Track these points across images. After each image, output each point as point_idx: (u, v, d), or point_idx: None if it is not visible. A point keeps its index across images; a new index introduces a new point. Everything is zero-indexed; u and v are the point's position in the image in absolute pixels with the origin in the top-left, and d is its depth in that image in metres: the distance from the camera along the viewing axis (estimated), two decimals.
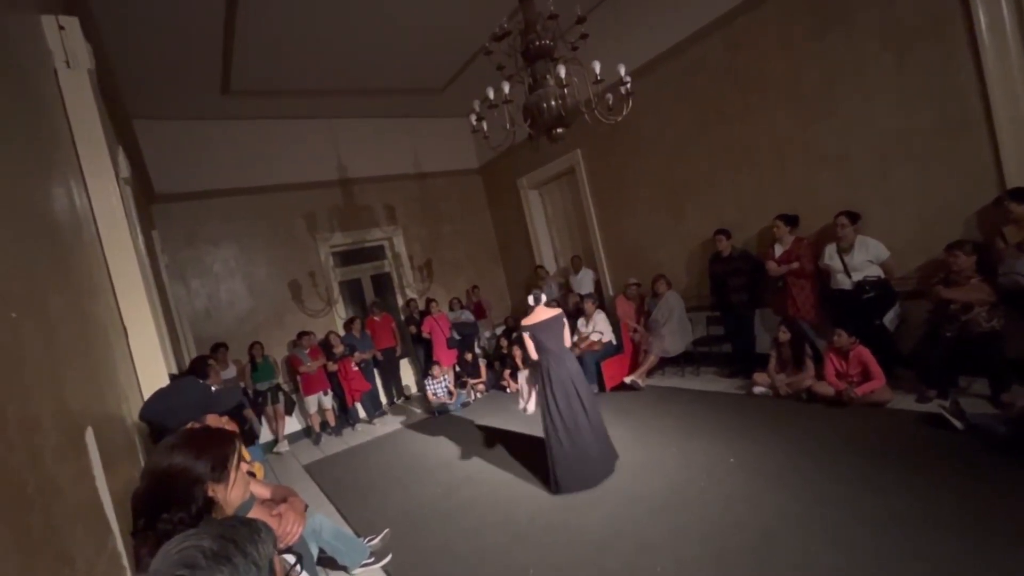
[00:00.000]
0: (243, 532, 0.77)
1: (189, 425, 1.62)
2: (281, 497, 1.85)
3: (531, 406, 4.02)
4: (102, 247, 1.79)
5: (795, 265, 4.42)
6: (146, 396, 1.78)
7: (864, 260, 3.98)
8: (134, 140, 4.78)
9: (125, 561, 1.12)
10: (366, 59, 5.86)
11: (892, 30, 3.81)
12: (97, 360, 1.37)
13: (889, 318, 3.92)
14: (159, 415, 1.57)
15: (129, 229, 2.77)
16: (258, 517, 1.52)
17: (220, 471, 1.25)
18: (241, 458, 1.39)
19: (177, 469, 1.19)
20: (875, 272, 3.96)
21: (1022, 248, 3.11)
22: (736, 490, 2.98)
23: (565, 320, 3.77)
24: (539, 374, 3.68)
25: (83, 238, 1.53)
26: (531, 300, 3.90)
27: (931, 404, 3.50)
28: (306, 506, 2.56)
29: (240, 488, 1.34)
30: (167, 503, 1.16)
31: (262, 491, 1.90)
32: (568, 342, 3.78)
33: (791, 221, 4.55)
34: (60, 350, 1.10)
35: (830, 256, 4.17)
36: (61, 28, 1.81)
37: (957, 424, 3.03)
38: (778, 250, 4.59)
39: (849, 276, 4.04)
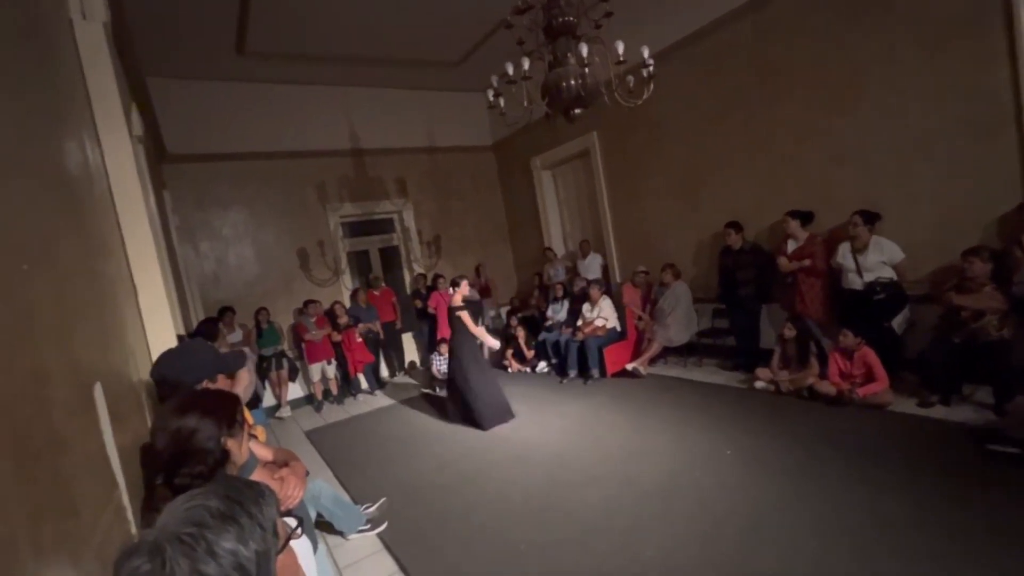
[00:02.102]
0: (248, 494, 0.78)
1: (202, 385, 1.65)
2: (283, 460, 1.89)
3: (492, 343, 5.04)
4: (114, 204, 1.79)
5: (807, 262, 4.37)
6: (154, 355, 1.80)
7: (878, 261, 3.92)
8: (147, 98, 4.74)
9: (130, 515, 1.15)
10: (384, 27, 5.73)
11: (927, 23, 3.68)
12: (106, 317, 1.38)
13: (898, 321, 3.88)
14: (173, 374, 1.59)
15: (141, 187, 2.77)
16: (261, 479, 1.55)
17: (231, 427, 1.31)
18: (244, 418, 1.42)
19: (192, 426, 1.24)
20: (888, 274, 3.91)
21: None
22: (729, 480, 3.01)
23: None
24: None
25: (95, 194, 1.52)
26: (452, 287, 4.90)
27: (932, 408, 3.50)
28: (307, 471, 2.62)
29: (245, 446, 1.38)
30: (184, 459, 1.20)
31: (265, 453, 1.93)
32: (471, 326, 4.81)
33: (805, 217, 4.48)
34: (70, 304, 1.10)
35: (843, 255, 4.11)
36: None
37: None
38: (791, 246, 4.53)
39: (861, 276, 3.99)
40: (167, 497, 1.12)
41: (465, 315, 4.73)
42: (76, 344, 1.08)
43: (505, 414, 4.63)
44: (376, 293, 7.16)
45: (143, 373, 1.60)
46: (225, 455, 1.29)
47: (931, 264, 3.89)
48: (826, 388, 3.93)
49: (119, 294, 1.55)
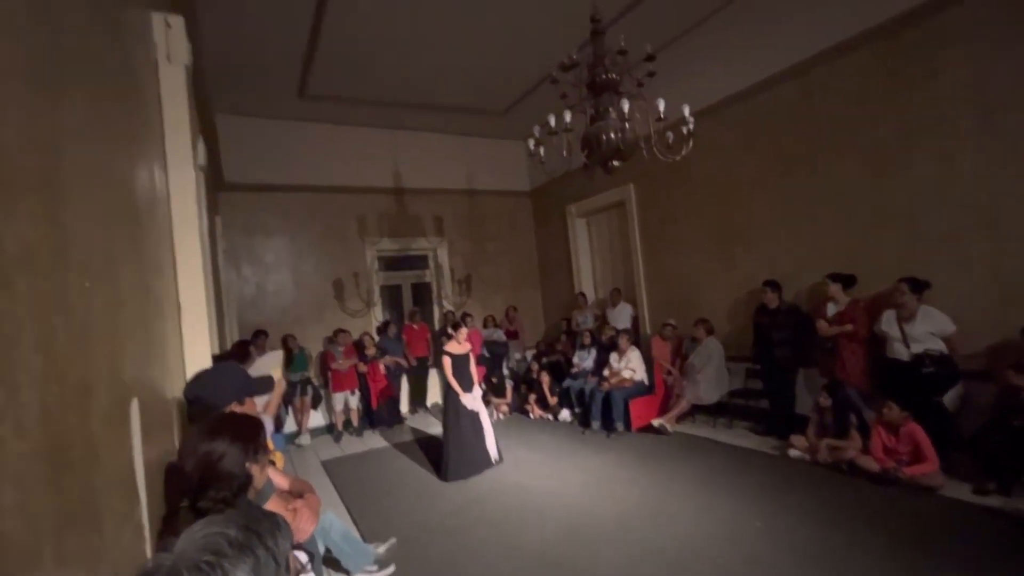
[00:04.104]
0: (266, 525, 0.78)
1: (230, 408, 1.69)
2: (299, 491, 1.88)
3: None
4: (171, 228, 1.91)
5: (848, 327, 4.20)
6: (188, 374, 1.85)
7: (926, 332, 3.73)
8: (213, 131, 5.11)
9: (147, 533, 1.15)
10: (436, 77, 6.08)
11: (978, 92, 3.63)
12: (152, 334, 1.44)
13: (950, 397, 3.64)
14: (205, 394, 1.63)
15: (198, 215, 2.94)
16: (275, 508, 1.55)
17: (257, 453, 1.33)
18: (266, 444, 1.44)
19: (221, 451, 1.26)
20: (938, 346, 3.70)
21: None
22: (758, 556, 2.80)
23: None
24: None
25: (157, 218, 1.63)
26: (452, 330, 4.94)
27: (989, 496, 3.21)
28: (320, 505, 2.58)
29: (265, 472, 1.39)
30: (211, 482, 1.22)
31: (281, 481, 1.93)
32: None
33: (847, 281, 4.34)
34: (122, 321, 1.16)
35: (888, 323, 3.93)
36: (168, 25, 1.98)
37: None
38: (831, 309, 4.38)
39: (908, 347, 3.79)
40: (190, 521, 1.14)
41: (448, 363, 4.66)
42: (122, 360, 1.13)
43: (470, 471, 4.51)
44: (414, 327, 7.26)
45: (177, 391, 1.65)
46: (249, 480, 1.30)
47: (987, 339, 3.67)
48: (869, 464, 3.67)
49: (165, 313, 1.62)
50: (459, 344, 4.78)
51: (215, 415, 1.46)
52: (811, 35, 4.56)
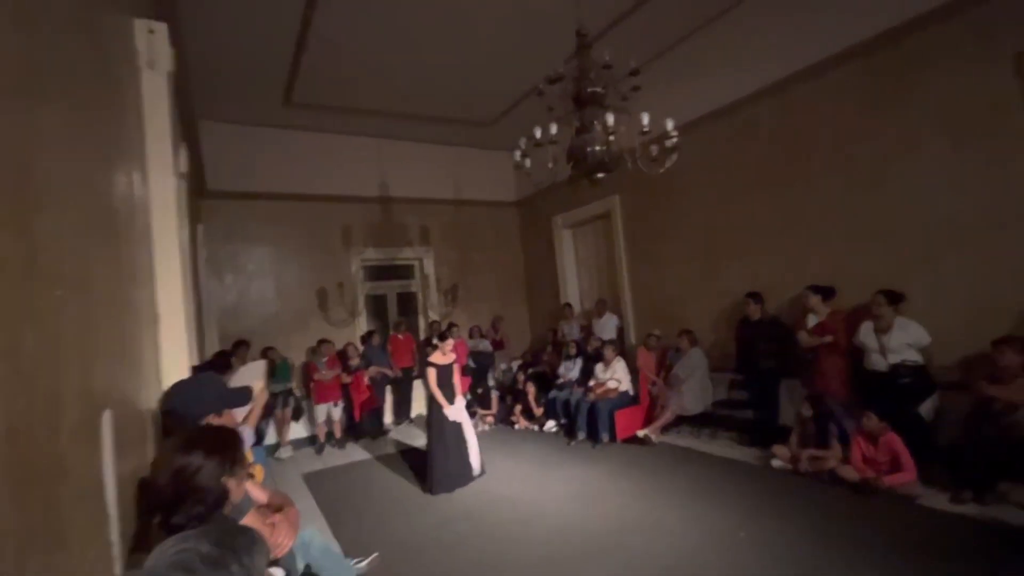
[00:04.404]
0: (241, 541, 0.76)
1: (207, 419, 1.65)
2: (277, 505, 1.83)
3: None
4: (150, 237, 1.88)
5: (828, 338, 4.27)
6: (165, 385, 1.81)
7: (902, 343, 3.81)
8: (196, 138, 5.05)
9: (116, 551, 1.11)
10: (423, 87, 6.11)
11: (949, 115, 3.76)
12: (127, 345, 1.41)
13: (926, 408, 3.72)
14: (182, 406, 1.60)
15: (178, 223, 2.90)
16: (252, 523, 1.51)
17: (233, 466, 1.30)
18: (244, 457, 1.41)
19: (196, 464, 1.23)
20: (914, 357, 3.79)
21: None
22: (743, 567, 2.81)
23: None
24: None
25: (136, 226, 1.60)
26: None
27: (967, 506, 3.27)
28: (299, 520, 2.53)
29: (243, 485, 1.36)
30: (185, 497, 1.19)
31: (260, 495, 1.89)
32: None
33: (827, 293, 4.42)
34: (96, 332, 1.13)
35: (866, 334, 4.02)
36: (151, 32, 1.96)
37: None
38: (811, 320, 4.45)
39: (885, 358, 3.87)
40: (163, 537, 1.10)
41: (432, 374, 4.63)
42: (94, 371, 1.10)
43: (455, 483, 4.47)
44: (400, 337, 7.20)
45: (153, 402, 1.61)
46: (225, 495, 1.27)
47: (960, 350, 3.76)
48: (849, 473, 3.72)
49: (142, 323, 1.58)
50: (443, 355, 4.75)
51: (191, 427, 1.43)
52: (789, 55, 4.70)
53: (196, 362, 3.16)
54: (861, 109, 4.27)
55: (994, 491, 3.34)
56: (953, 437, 3.59)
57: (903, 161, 4.04)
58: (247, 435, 2.14)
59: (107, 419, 1.11)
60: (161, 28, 1.98)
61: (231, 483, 1.26)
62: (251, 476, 2.95)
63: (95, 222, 1.15)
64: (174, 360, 1.90)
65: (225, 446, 1.32)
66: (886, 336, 3.89)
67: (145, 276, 1.74)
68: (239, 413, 2.34)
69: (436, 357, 4.73)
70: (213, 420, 1.61)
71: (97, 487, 1.05)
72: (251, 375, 2.62)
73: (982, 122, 3.61)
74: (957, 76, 3.70)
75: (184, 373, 1.94)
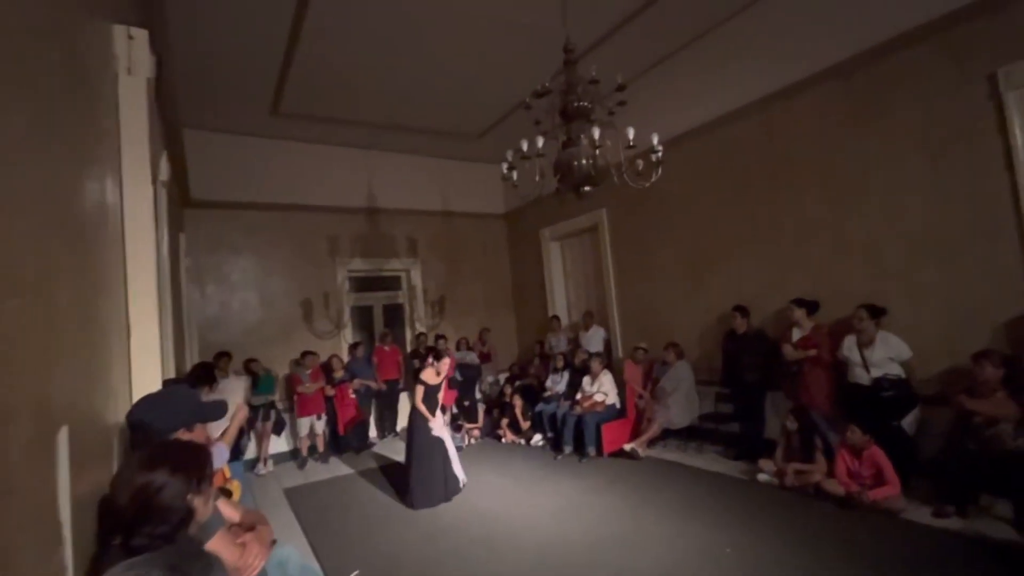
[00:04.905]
0: (197, 566, 0.72)
1: (178, 434, 1.59)
2: (250, 523, 1.77)
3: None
4: (124, 246, 1.83)
5: (812, 352, 4.30)
6: (136, 398, 1.75)
7: (884, 357, 3.85)
8: (180, 146, 4.99)
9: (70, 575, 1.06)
10: (412, 99, 6.13)
11: (928, 131, 3.85)
12: (92, 357, 1.36)
13: (908, 421, 3.75)
14: (150, 420, 1.54)
15: (156, 232, 2.84)
16: (221, 543, 1.45)
17: (200, 484, 1.25)
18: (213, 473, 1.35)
19: (160, 483, 1.18)
20: (896, 370, 3.82)
21: None
22: None
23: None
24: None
25: (106, 234, 1.55)
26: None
27: (949, 520, 3.28)
28: (274, 540, 2.45)
29: (211, 503, 1.31)
30: (147, 517, 1.13)
31: (232, 513, 1.82)
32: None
33: (811, 307, 4.46)
34: (57, 342, 1.09)
35: (849, 348, 4.05)
36: (130, 38, 1.93)
37: None
38: (796, 334, 4.48)
39: (868, 371, 3.90)
40: (123, 560, 1.05)
41: (420, 391, 4.65)
42: (53, 383, 1.05)
43: (439, 498, 4.41)
44: (385, 348, 7.11)
45: (120, 416, 1.55)
46: (189, 514, 1.21)
47: (940, 364, 3.80)
48: (834, 488, 3.72)
49: (111, 333, 1.53)
50: (437, 375, 4.73)
51: (158, 443, 1.37)
52: (772, 72, 4.79)
53: (173, 374, 3.09)
54: (842, 126, 4.36)
55: (976, 505, 3.36)
56: (935, 451, 3.62)
57: (883, 177, 4.12)
58: (222, 452, 2.07)
59: (64, 435, 1.06)
60: (141, 34, 1.95)
61: (197, 502, 1.21)
62: (229, 492, 2.87)
63: (59, 229, 1.12)
64: (146, 372, 1.84)
65: (192, 463, 1.26)
66: (868, 350, 3.92)
67: (116, 285, 1.69)
68: (215, 429, 2.28)
69: (428, 375, 4.70)
70: (183, 435, 1.55)
71: (50, 509, 0.99)
72: (231, 391, 2.56)
73: (958, 140, 3.70)
74: (934, 95, 3.80)
75: (157, 386, 1.88)
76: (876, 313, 3.95)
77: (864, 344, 3.96)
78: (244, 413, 2.51)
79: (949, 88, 3.72)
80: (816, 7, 4.43)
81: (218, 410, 1.68)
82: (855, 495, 3.56)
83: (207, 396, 2.92)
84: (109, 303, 1.54)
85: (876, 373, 3.86)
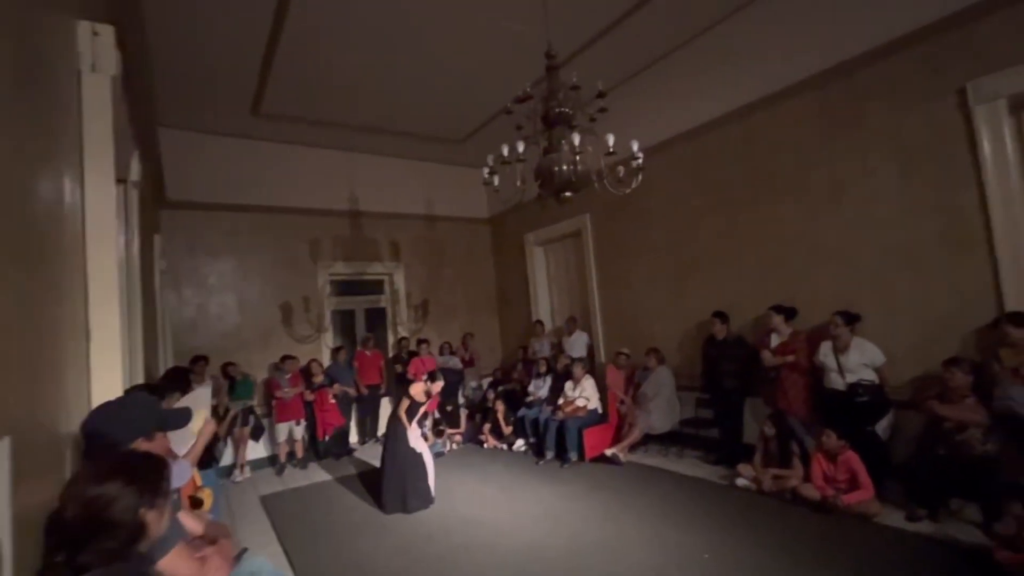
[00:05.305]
0: None
1: (136, 444, 1.53)
2: (213, 536, 1.72)
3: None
4: (84, 248, 1.77)
5: (790, 358, 4.35)
6: (95, 406, 1.69)
7: (859, 363, 3.91)
8: (156, 146, 4.89)
9: None
10: (395, 102, 6.09)
11: (900, 143, 3.93)
12: (43, 364, 1.30)
13: (882, 426, 3.81)
14: (106, 428, 1.48)
15: (125, 233, 2.76)
16: (180, 558, 1.40)
17: (154, 498, 1.20)
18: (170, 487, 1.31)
19: (111, 495, 1.13)
20: (870, 376, 3.88)
21: (1017, 373, 3.04)
22: None
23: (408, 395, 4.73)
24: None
25: (64, 236, 1.50)
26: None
27: (921, 524, 3.33)
28: (244, 550, 2.39)
29: (166, 518, 1.26)
30: (95, 533, 1.08)
31: (194, 525, 1.76)
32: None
33: (789, 313, 4.52)
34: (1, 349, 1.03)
35: (825, 354, 4.11)
36: (95, 34, 1.88)
37: None
38: (774, 340, 4.53)
39: (843, 377, 3.96)
40: None
41: (404, 404, 4.64)
42: None
43: (414, 505, 4.37)
44: (367, 353, 7.03)
45: (75, 425, 1.49)
46: (141, 530, 1.16)
47: (912, 371, 3.88)
48: (810, 492, 3.76)
49: (66, 340, 1.47)
50: (426, 396, 4.74)
51: (112, 453, 1.32)
52: (752, 82, 4.86)
53: (142, 380, 3.00)
54: (819, 136, 4.44)
55: (947, 508, 3.42)
56: (907, 455, 3.68)
57: (857, 186, 4.20)
58: (184, 469, 2.00)
59: (5, 445, 1.01)
60: (107, 30, 1.90)
61: (150, 516, 1.16)
62: (199, 501, 2.79)
63: (3, 230, 1.07)
64: (107, 379, 1.78)
65: (147, 475, 1.22)
66: (844, 356, 3.98)
67: (76, 288, 1.63)
68: (182, 445, 2.21)
69: (417, 392, 4.68)
70: (142, 444, 1.49)
71: None
72: (199, 404, 2.48)
73: (930, 152, 3.78)
74: (906, 107, 3.89)
75: (118, 393, 1.82)
76: (851, 320, 4.01)
77: (840, 350, 4.02)
78: (211, 429, 2.43)
79: (921, 101, 3.81)
80: (795, 19, 4.51)
81: (180, 418, 1.63)
82: (829, 499, 3.60)
83: (180, 403, 2.84)
84: (65, 307, 1.48)
85: (851, 379, 3.92)
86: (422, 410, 4.78)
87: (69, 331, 1.52)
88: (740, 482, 4.31)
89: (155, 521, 1.18)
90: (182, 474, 1.93)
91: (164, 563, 1.31)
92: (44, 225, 1.31)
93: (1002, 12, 3.40)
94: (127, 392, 1.79)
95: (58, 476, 1.34)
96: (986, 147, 3.49)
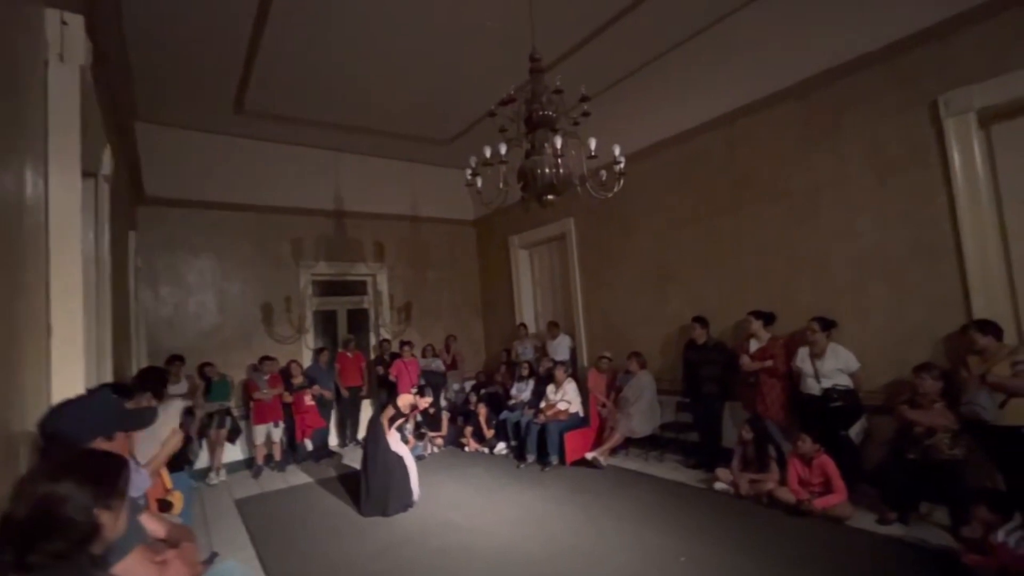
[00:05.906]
0: None
1: (96, 443, 1.49)
2: (176, 539, 1.67)
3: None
4: (47, 241, 1.72)
5: (769, 363, 4.41)
6: (55, 403, 1.63)
7: (834, 368, 3.98)
8: (132, 140, 4.78)
9: None
10: (381, 102, 6.04)
11: (875, 154, 4.02)
12: None
13: (855, 431, 3.87)
14: (65, 428, 1.44)
15: (95, 227, 2.70)
16: (138, 561, 1.36)
17: (110, 498, 1.16)
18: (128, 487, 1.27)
19: (63, 494, 1.09)
20: (845, 381, 3.95)
21: (984, 379, 3.12)
22: None
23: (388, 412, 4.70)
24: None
25: (22, 230, 1.45)
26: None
27: (892, 527, 3.39)
28: (215, 554, 2.33)
29: (122, 520, 1.22)
30: (45, 532, 1.05)
31: (157, 528, 1.72)
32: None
33: (767, 318, 4.58)
34: None
35: (802, 359, 4.17)
36: (64, 23, 1.83)
37: None
38: (753, 345, 4.59)
39: (819, 382, 4.02)
40: None
41: (390, 410, 4.64)
42: None
43: (392, 508, 4.34)
44: (348, 355, 6.95)
45: (31, 423, 1.44)
46: (95, 530, 1.13)
47: (885, 376, 3.95)
48: (785, 496, 3.81)
49: (23, 336, 1.42)
50: (411, 408, 4.75)
51: (68, 451, 1.28)
52: (735, 90, 4.93)
53: (109, 379, 2.92)
54: (798, 144, 4.52)
55: (917, 512, 3.49)
56: (879, 459, 3.74)
57: (834, 194, 4.28)
58: (143, 478, 1.94)
59: None
60: (76, 20, 1.85)
61: (105, 517, 1.13)
62: (168, 504, 2.72)
63: None
64: (68, 376, 1.72)
65: (103, 474, 1.18)
66: (820, 361, 4.05)
67: (33, 284, 1.58)
68: (143, 451, 2.15)
69: (404, 404, 4.68)
70: (101, 444, 1.45)
71: None
72: (165, 415, 2.40)
73: (903, 163, 3.87)
74: (881, 118, 3.98)
75: (80, 391, 1.76)
76: (827, 325, 4.08)
77: (816, 355, 4.08)
78: (177, 440, 2.37)
79: (896, 112, 3.90)
80: (778, 28, 4.57)
81: (144, 418, 1.58)
82: (803, 503, 3.65)
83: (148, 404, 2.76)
84: (23, 303, 1.43)
85: (826, 384, 3.98)
86: (401, 420, 4.77)
87: (28, 326, 1.47)
88: (718, 486, 4.35)
89: (111, 522, 1.15)
90: (140, 483, 1.87)
91: (121, 567, 1.27)
92: (2, 216, 1.27)
93: (973, 28, 3.50)
94: (91, 391, 1.74)
95: (12, 475, 1.29)
96: (956, 159, 3.58)
